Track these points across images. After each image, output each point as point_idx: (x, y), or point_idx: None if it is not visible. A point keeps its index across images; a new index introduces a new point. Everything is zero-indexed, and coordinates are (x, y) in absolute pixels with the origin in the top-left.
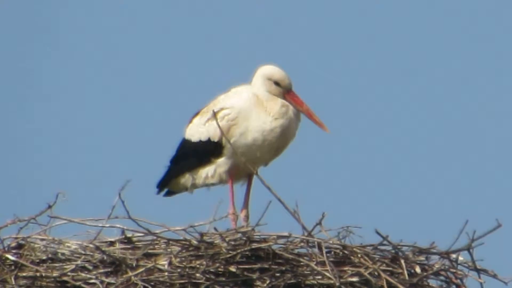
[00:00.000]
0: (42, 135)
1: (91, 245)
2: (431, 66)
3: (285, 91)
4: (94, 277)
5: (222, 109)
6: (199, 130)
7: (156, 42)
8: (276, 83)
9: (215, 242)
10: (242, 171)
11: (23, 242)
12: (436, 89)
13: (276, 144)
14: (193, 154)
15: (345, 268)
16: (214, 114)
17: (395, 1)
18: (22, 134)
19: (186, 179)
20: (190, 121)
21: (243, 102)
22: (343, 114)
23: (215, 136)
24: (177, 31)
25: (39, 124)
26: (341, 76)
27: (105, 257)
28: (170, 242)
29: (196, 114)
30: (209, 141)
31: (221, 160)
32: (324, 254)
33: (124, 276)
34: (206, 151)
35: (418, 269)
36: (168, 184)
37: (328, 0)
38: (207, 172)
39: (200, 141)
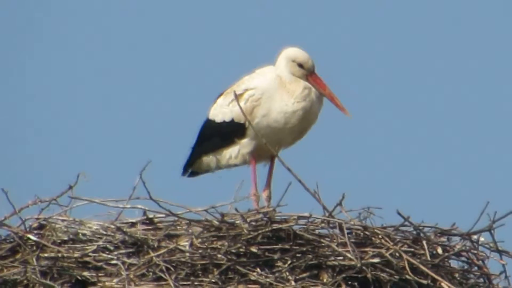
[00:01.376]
0: (63, 116)
1: (112, 226)
2: (455, 48)
3: (308, 73)
4: (115, 257)
5: (246, 90)
6: (222, 110)
7: (179, 26)
8: (300, 65)
9: (236, 222)
10: (265, 152)
11: (44, 222)
12: (457, 71)
13: (298, 127)
14: (217, 135)
15: (366, 249)
16: (236, 97)
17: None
18: (43, 115)
19: (209, 159)
20: (214, 102)
21: (267, 83)
22: (364, 95)
23: (238, 117)
24: (200, 17)
25: (60, 105)
26: (363, 56)
27: (126, 238)
28: (192, 223)
29: (220, 94)
30: (232, 122)
31: (244, 141)
32: (346, 235)
33: (146, 257)
34: (230, 131)
35: (439, 250)
36: (193, 165)
37: None
38: (230, 152)
39: (224, 121)
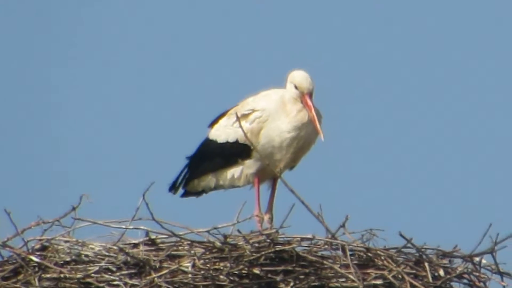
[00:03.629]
0: (65, 138)
1: (114, 247)
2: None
3: (301, 94)
4: (117, 278)
5: (253, 110)
6: (226, 131)
7: (176, 44)
8: (296, 87)
9: (238, 244)
10: (268, 174)
11: (47, 244)
12: (466, 89)
13: (294, 146)
14: (219, 155)
15: (369, 271)
16: (238, 118)
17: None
18: (47, 137)
19: (209, 179)
20: (216, 122)
21: (273, 105)
22: (364, 117)
23: (243, 138)
24: (200, 34)
25: (63, 127)
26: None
27: (128, 259)
28: (194, 244)
29: (223, 114)
30: (237, 142)
31: (249, 162)
32: (348, 257)
33: (148, 277)
34: (234, 152)
35: (441, 272)
36: (188, 184)
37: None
38: (233, 173)
39: (227, 142)
